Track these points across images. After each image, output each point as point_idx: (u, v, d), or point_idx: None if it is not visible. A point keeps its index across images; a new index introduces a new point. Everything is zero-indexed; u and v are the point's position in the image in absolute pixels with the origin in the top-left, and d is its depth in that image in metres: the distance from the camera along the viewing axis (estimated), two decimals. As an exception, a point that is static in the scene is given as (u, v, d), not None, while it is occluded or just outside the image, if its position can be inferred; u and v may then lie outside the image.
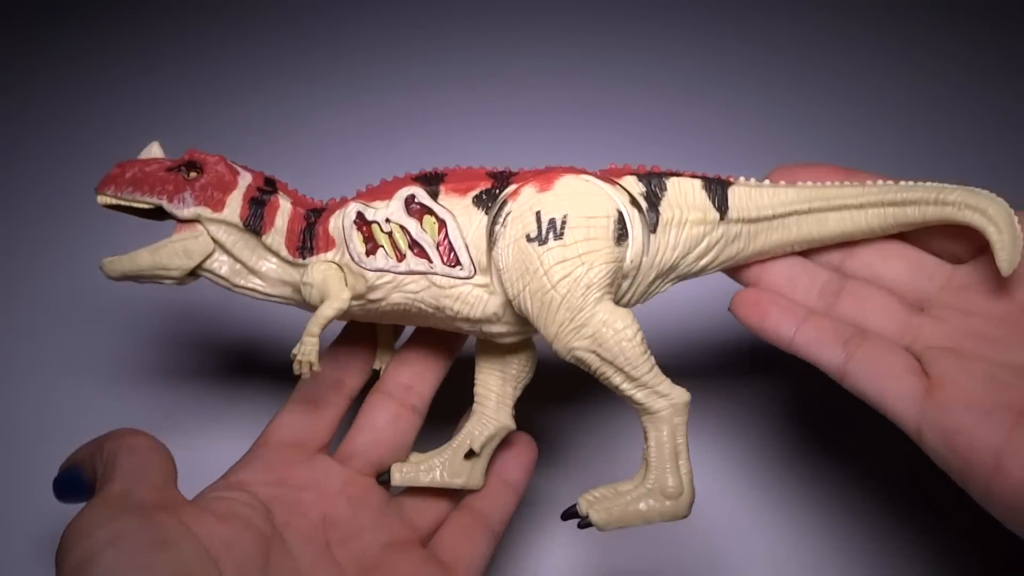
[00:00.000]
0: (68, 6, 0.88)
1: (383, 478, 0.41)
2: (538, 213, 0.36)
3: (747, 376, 0.52)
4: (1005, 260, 0.35)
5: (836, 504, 0.48)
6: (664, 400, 0.35)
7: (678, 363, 0.53)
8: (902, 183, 0.38)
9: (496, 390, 0.41)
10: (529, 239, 0.36)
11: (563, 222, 0.36)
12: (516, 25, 0.84)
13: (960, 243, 0.38)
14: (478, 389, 0.41)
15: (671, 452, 0.35)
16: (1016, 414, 0.32)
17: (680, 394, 0.35)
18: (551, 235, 0.35)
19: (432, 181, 0.38)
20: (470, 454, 0.41)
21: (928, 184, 0.38)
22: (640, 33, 0.81)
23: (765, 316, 0.39)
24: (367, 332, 0.43)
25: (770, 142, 0.69)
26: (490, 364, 0.41)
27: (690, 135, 0.70)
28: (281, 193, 0.40)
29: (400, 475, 0.40)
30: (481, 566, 0.40)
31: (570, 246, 0.35)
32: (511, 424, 0.41)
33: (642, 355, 0.35)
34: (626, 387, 0.35)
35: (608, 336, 0.35)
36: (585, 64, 0.79)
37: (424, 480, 0.41)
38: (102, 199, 0.39)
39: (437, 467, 0.41)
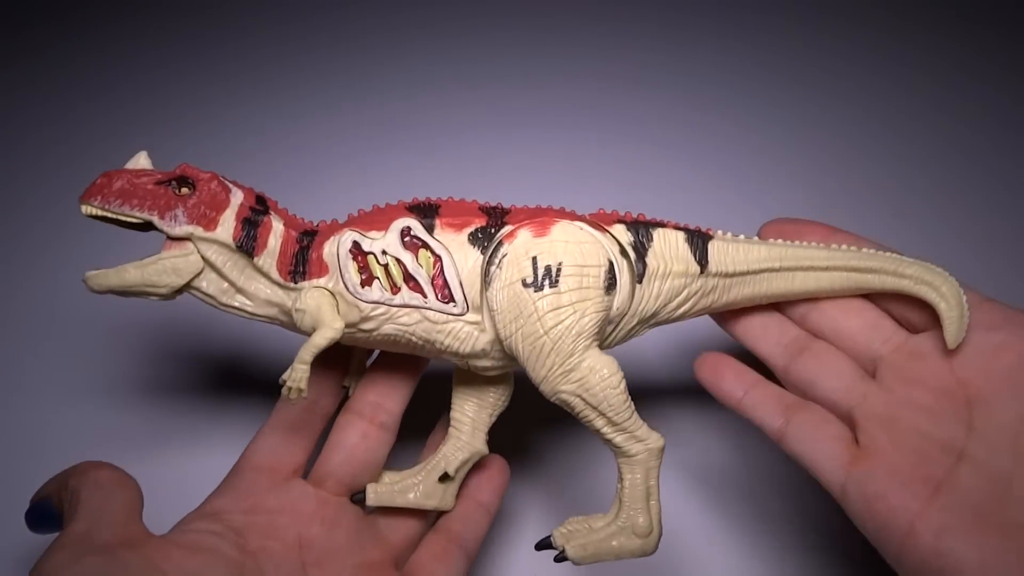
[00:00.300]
0: (59, 14, 0.86)
1: (357, 498, 0.41)
2: (534, 258, 0.37)
3: (720, 408, 0.54)
4: (952, 334, 0.39)
5: (806, 536, 0.50)
6: (641, 445, 0.37)
7: (654, 400, 0.55)
8: (865, 251, 0.42)
9: (472, 416, 0.42)
10: (525, 284, 0.37)
11: (558, 270, 0.37)
12: (512, 45, 0.83)
13: (916, 313, 0.42)
14: (454, 414, 0.43)
15: (643, 493, 0.37)
16: (934, 487, 0.36)
17: (656, 440, 0.38)
18: (546, 282, 0.37)
19: (427, 213, 0.39)
20: (444, 477, 0.42)
21: (889, 255, 0.41)
22: (637, 62, 0.81)
23: (721, 379, 0.43)
24: (340, 352, 0.43)
25: (760, 176, 0.71)
26: (467, 391, 0.43)
27: (680, 168, 0.71)
28: (273, 213, 0.40)
29: (375, 495, 0.41)
30: None
31: (564, 294, 0.37)
32: (484, 450, 0.42)
33: (624, 402, 0.37)
34: (607, 430, 0.37)
35: (594, 383, 0.36)
36: (580, 84, 0.79)
37: (398, 501, 0.42)
38: (87, 209, 0.38)
39: (411, 488, 0.42)
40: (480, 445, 0.42)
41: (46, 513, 0.37)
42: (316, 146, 0.70)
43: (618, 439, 0.37)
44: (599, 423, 0.37)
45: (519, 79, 0.78)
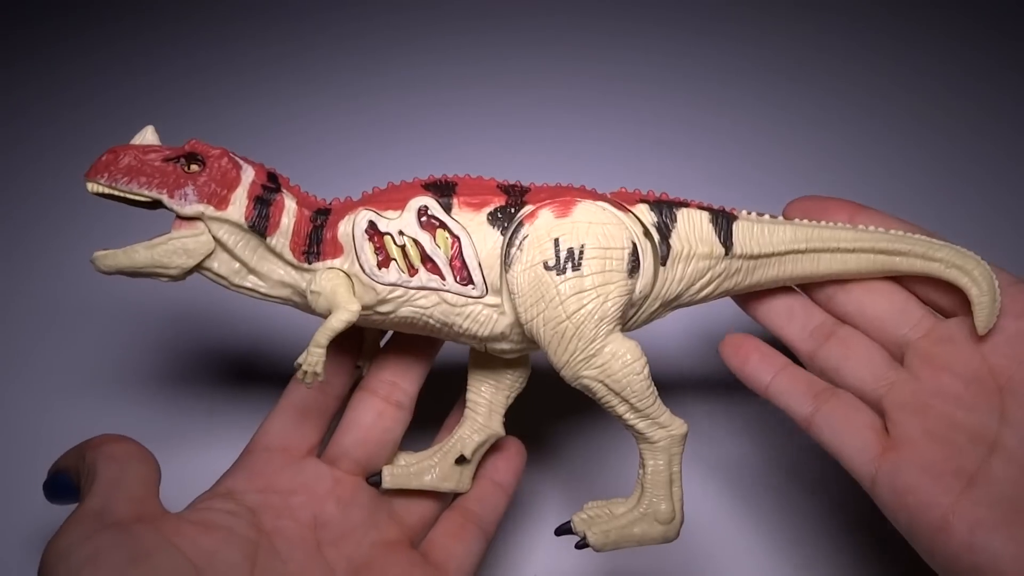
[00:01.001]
0: (70, 3, 0.85)
1: (373, 480, 0.41)
2: (556, 240, 0.36)
3: (741, 395, 0.54)
4: (983, 319, 0.38)
5: (826, 524, 0.49)
6: (664, 431, 0.37)
7: (673, 384, 0.54)
8: (894, 232, 0.41)
9: (488, 398, 0.42)
10: (547, 267, 0.36)
11: (581, 252, 0.36)
12: (525, 26, 0.83)
13: (946, 296, 0.41)
14: (470, 396, 0.42)
15: (666, 480, 0.37)
16: (966, 480, 0.35)
17: (679, 426, 0.37)
18: (569, 265, 0.36)
19: (443, 191, 0.38)
20: (461, 460, 0.41)
21: (919, 237, 0.40)
22: (648, 48, 0.81)
23: (746, 362, 0.42)
24: (354, 332, 0.42)
25: (782, 154, 0.71)
26: (483, 373, 0.42)
27: (698, 140, 0.71)
28: (285, 191, 0.39)
29: (391, 478, 0.41)
30: (473, 565, 0.41)
31: (587, 277, 0.36)
32: (501, 431, 0.42)
33: (647, 388, 0.36)
34: (629, 416, 0.37)
35: (617, 368, 0.36)
36: (592, 65, 0.78)
37: (414, 483, 0.41)
38: (93, 187, 0.37)
39: (427, 470, 0.41)
40: (497, 427, 0.42)
41: (63, 485, 0.37)
42: (318, 143, 0.70)
43: (640, 425, 0.37)
44: (621, 409, 0.36)
45: (533, 61, 0.77)
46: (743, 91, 0.76)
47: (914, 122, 0.73)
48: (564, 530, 0.38)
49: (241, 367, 0.55)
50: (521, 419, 0.43)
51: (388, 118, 0.73)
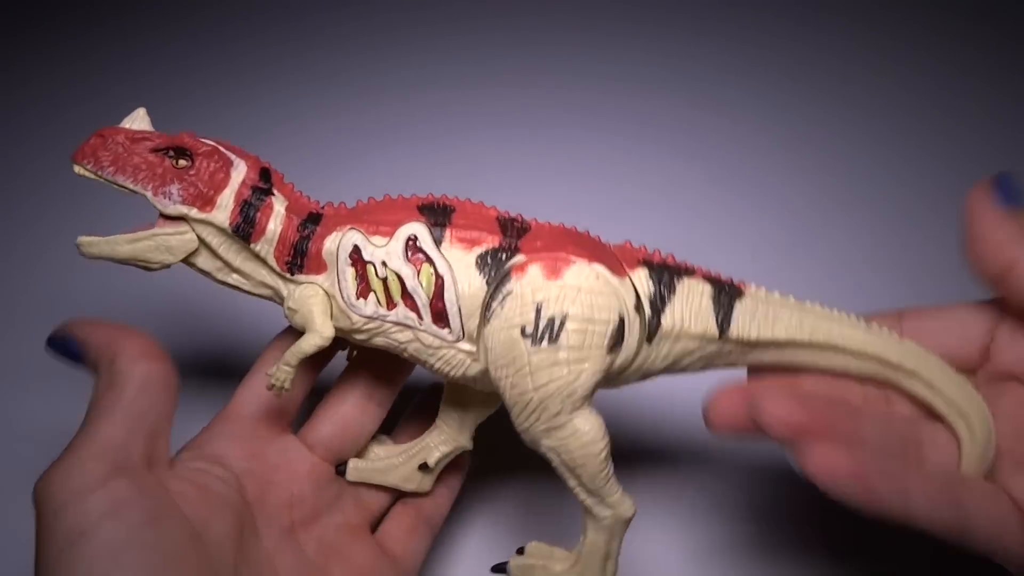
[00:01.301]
0: (70, 2, 0.84)
1: (341, 470, 0.42)
2: (539, 306, 0.34)
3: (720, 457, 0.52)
4: (966, 467, 0.35)
5: None
6: (610, 511, 0.36)
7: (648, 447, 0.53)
8: (907, 343, 0.36)
9: (461, 412, 0.42)
10: (523, 333, 0.34)
11: (561, 323, 0.34)
12: (525, 27, 0.82)
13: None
14: (444, 406, 0.42)
15: (603, 554, 0.36)
16: None
17: (627, 508, 0.36)
18: (546, 336, 0.34)
19: (438, 218, 0.36)
20: (424, 467, 0.42)
21: (934, 360, 0.36)
22: (650, 63, 0.80)
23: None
24: None
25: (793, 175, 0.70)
26: (460, 388, 0.41)
27: (692, 171, 0.70)
28: (276, 193, 0.37)
29: (355, 471, 0.42)
30: (422, 557, 0.44)
31: (562, 351, 0.34)
32: (468, 446, 0.42)
33: (602, 470, 0.35)
34: (578, 491, 0.36)
35: (574, 447, 0.35)
36: (592, 65, 0.78)
37: (377, 479, 0.42)
38: (79, 169, 0.36)
39: (392, 469, 0.42)
40: (465, 441, 0.42)
41: (71, 352, 0.36)
42: (317, 146, 0.70)
43: (588, 501, 0.36)
44: (572, 482, 0.36)
45: (533, 62, 0.76)
46: (743, 91, 0.76)
47: (915, 122, 0.73)
48: (500, 570, 0.38)
49: (219, 350, 0.56)
50: (489, 432, 0.43)
51: (388, 118, 0.72)
